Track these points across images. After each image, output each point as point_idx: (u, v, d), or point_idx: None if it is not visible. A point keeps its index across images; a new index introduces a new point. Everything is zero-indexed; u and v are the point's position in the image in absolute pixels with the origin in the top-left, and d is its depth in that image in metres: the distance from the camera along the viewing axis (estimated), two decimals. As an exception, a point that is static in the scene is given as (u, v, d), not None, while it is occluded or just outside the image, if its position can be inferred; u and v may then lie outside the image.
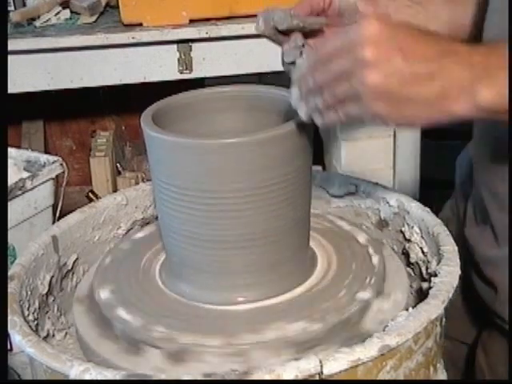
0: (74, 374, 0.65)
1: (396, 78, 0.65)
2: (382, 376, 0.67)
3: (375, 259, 0.83)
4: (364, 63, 0.65)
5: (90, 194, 2.12)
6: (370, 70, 0.65)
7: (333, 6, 0.86)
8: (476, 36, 0.92)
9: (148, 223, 0.99)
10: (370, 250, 0.85)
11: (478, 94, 0.66)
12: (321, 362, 0.63)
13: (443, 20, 0.95)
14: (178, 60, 1.75)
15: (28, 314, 0.80)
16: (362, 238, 0.88)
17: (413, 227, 0.87)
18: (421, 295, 0.82)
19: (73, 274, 0.90)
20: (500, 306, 0.88)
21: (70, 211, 0.93)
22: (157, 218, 0.92)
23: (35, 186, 1.22)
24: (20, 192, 1.19)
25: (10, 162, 1.30)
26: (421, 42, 0.67)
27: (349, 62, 0.66)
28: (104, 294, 0.81)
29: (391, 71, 0.65)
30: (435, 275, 0.76)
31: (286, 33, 0.81)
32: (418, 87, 0.66)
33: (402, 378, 0.69)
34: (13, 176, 1.27)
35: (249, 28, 1.71)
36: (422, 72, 0.66)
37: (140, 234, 0.93)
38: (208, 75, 1.82)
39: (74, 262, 0.90)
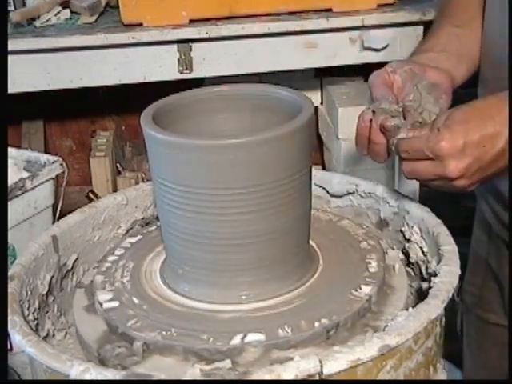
0: (74, 374, 0.65)
1: (478, 173, 0.80)
2: (382, 376, 0.67)
3: (375, 259, 0.83)
4: (448, 178, 0.79)
5: (90, 194, 2.13)
6: (455, 182, 0.80)
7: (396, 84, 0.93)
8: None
9: (148, 223, 0.99)
10: (370, 250, 0.85)
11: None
12: (321, 361, 0.63)
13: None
14: (178, 60, 1.76)
15: (28, 314, 0.80)
16: (361, 237, 0.88)
17: (413, 227, 0.87)
18: (421, 295, 0.82)
19: (73, 273, 0.90)
20: None
21: (70, 211, 0.93)
22: (157, 217, 0.92)
23: (35, 186, 1.22)
24: (20, 192, 1.19)
25: (10, 162, 1.30)
26: (487, 136, 0.79)
27: (433, 175, 0.80)
28: (103, 297, 0.81)
29: (472, 172, 0.79)
30: (435, 275, 0.76)
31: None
32: (496, 165, 0.81)
33: (401, 377, 0.69)
34: (13, 176, 1.27)
35: (249, 28, 1.72)
36: (495, 156, 0.79)
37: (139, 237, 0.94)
38: (208, 75, 1.82)
39: (74, 262, 0.90)
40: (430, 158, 0.79)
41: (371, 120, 0.90)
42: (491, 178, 0.83)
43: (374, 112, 0.88)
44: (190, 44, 1.74)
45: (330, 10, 1.77)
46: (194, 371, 0.70)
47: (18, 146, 1.97)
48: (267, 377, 0.63)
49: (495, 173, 0.82)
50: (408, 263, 0.88)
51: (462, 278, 0.77)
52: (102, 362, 0.74)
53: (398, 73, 0.92)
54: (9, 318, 0.73)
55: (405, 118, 0.85)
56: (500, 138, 0.79)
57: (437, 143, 0.78)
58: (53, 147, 2.33)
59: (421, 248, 0.86)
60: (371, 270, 0.82)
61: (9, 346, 1.10)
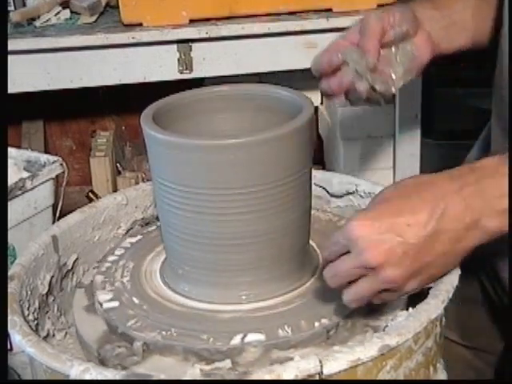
0: (74, 374, 0.65)
1: (407, 259, 0.67)
2: (382, 376, 0.67)
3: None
4: (370, 268, 0.67)
5: (90, 194, 2.12)
6: (380, 271, 0.67)
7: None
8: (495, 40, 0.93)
9: (148, 223, 0.99)
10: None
11: (485, 227, 0.68)
12: (321, 361, 0.63)
13: (469, 31, 0.96)
14: (178, 60, 1.75)
15: (28, 314, 0.80)
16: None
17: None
18: (421, 295, 0.82)
19: (73, 273, 0.90)
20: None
21: (70, 211, 0.93)
22: (157, 217, 0.92)
23: (35, 186, 1.22)
24: (20, 192, 1.19)
25: (10, 162, 1.30)
26: (406, 212, 0.67)
27: (356, 267, 0.68)
28: (103, 297, 0.81)
29: (398, 258, 0.66)
30: (435, 275, 0.76)
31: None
32: (430, 251, 0.67)
33: (401, 377, 0.69)
34: (13, 176, 1.27)
35: (249, 28, 1.71)
36: (425, 237, 0.67)
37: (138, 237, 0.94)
38: (208, 75, 1.82)
39: (74, 262, 0.90)
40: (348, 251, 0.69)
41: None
42: (440, 274, 0.71)
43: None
44: (190, 44, 1.74)
45: (330, 10, 1.77)
46: (194, 371, 0.70)
47: (18, 146, 1.97)
48: (267, 377, 0.63)
49: (443, 266, 0.70)
50: (408, 263, 0.88)
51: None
52: (102, 362, 0.74)
53: (395, 30, 0.86)
54: (9, 318, 0.73)
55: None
56: (427, 223, 0.67)
57: (347, 227, 0.68)
58: (53, 147, 2.33)
59: (421, 248, 0.85)
60: (371, 269, 0.82)
61: (9, 346, 1.10)
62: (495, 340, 0.98)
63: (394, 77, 0.87)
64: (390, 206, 0.69)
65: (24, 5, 1.86)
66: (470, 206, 0.67)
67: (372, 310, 0.77)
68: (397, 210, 0.67)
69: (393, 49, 0.88)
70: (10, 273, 0.80)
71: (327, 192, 0.98)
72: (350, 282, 0.69)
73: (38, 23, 1.76)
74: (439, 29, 0.93)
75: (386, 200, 0.70)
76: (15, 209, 1.19)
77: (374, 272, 0.67)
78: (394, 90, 0.86)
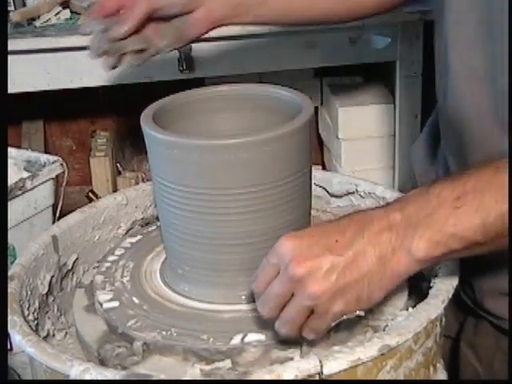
0: (74, 374, 0.65)
1: (333, 273, 0.66)
2: (382, 376, 0.67)
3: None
4: (296, 280, 0.66)
5: (90, 194, 2.12)
6: (307, 284, 0.66)
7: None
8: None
9: (148, 223, 0.99)
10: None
11: (410, 249, 0.67)
12: (321, 361, 0.63)
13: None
14: (178, 60, 1.75)
15: (28, 314, 0.80)
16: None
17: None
18: (421, 295, 0.82)
19: (73, 273, 0.90)
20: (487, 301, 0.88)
21: (70, 211, 0.93)
22: (157, 217, 0.92)
23: (35, 186, 1.22)
24: (20, 192, 1.19)
25: (10, 161, 1.30)
26: (336, 230, 0.68)
27: (283, 285, 0.67)
28: (103, 297, 0.81)
29: (325, 270, 0.66)
30: (435, 275, 0.76)
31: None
32: (356, 269, 0.66)
33: (401, 377, 0.69)
34: (13, 176, 1.27)
35: (249, 28, 1.72)
36: (353, 254, 0.66)
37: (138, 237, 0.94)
38: (208, 75, 1.82)
39: (74, 262, 0.90)
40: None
41: None
42: (367, 298, 0.68)
43: None
44: (190, 44, 1.74)
45: (330, 10, 1.77)
46: (194, 371, 0.70)
47: (18, 146, 1.97)
48: (267, 377, 0.63)
49: (369, 288, 0.68)
50: (408, 263, 0.88)
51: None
52: (102, 362, 0.74)
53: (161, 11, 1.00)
54: (9, 318, 0.73)
55: None
56: (349, 245, 0.67)
57: (277, 244, 0.68)
58: (53, 147, 2.33)
59: (421, 248, 0.85)
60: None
61: (9, 346, 1.10)
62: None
63: (158, 44, 1.01)
64: (320, 227, 0.71)
65: (24, 5, 1.86)
66: (396, 229, 0.67)
67: (371, 310, 0.77)
68: (326, 230, 0.69)
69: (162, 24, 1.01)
70: (10, 273, 0.80)
71: (327, 192, 0.98)
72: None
73: (38, 23, 1.76)
74: (225, 5, 1.02)
75: (316, 225, 0.73)
76: (15, 209, 1.19)
77: (299, 287, 0.66)
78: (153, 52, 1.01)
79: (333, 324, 0.69)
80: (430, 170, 0.99)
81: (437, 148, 1.00)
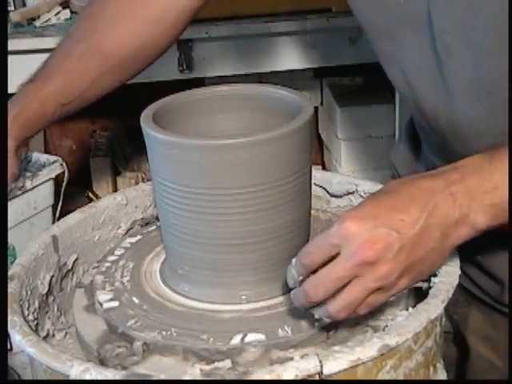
0: (74, 374, 0.65)
1: (403, 253, 0.66)
2: (382, 376, 0.67)
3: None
4: (365, 264, 0.65)
5: (90, 194, 2.13)
6: (376, 266, 0.65)
7: None
8: None
9: (148, 223, 0.99)
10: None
11: (473, 222, 0.68)
12: (321, 361, 0.63)
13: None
14: (178, 60, 1.76)
15: (28, 314, 0.80)
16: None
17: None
18: (421, 295, 0.82)
19: (73, 273, 0.90)
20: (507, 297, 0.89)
21: (70, 211, 0.93)
22: (157, 217, 0.92)
23: (35, 186, 1.22)
24: (20, 192, 1.19)
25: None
26: (399, 208, 0.67)
27: (349, 268, 0.66)
28: (103, 297, 0.81)
29: (395, 252, 0.66)
30: (435, 275, 0.76)
31: None
32: (422, 246, 0.67)
33: (401, 377, 0.69)
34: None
35: (249, 28, 1.72)
36: (418, 232, 0.66)
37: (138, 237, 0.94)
38: (208, 75, 1.82)
39: (74, 262, 0.90)
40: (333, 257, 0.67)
41: None
42: (429, 272, 0.71)
43: None
44: (190, 44, 1.74)
45: (330, 10, 1.77)
46: (194, 371, 0.70)
47: (18, 146, 1.96)
48: (267, 377, 0.63)
49: (431, 262, 0.69)
50: (408, 263, 0.88)
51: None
52: (102, 362, 0.74)
53: None
54: (9, 318, 0.73)
55: None
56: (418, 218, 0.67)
57: (340, 225, 0.66)
58: (53, 147, 2.33)
59: (421, 248, 0.85)
60: (371, 269, 0.82)
61: (9, 346, 1.10)
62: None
63: None
64: (380, 204, 0.68)
65: (24, 5, 1.86)
66: (459, 202, 0.67)
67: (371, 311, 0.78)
68: (388, 207, 0.67)
69: None
70: (10, 273, 0.80)
71: (327, 192, 0.98)
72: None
73: (38, 23, 1.76)
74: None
75: (373, 200, 0.69)
76: (15, 209, 1.19)
77: (368, 270, 0.65)
78: None
79: (392, 298, 0.70)
80: (415, 171, 1.00)
81: (418, 150, 1.01)
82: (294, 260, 0.70)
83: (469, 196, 0.68)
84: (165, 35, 1.07)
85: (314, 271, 0.68)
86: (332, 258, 0.67)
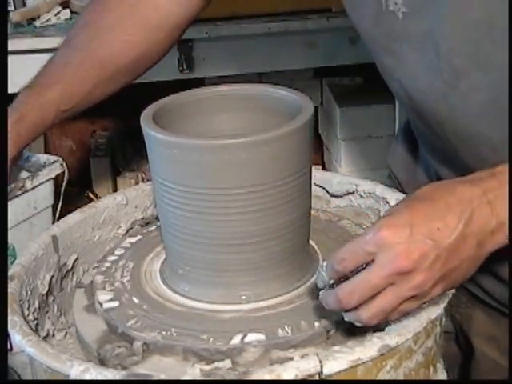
0: (74, 374, 0.65)
1: (438, 263, 0.65)
2: (382, 376, 0.67)
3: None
4: (401, 273, 0.65)
5: (90, 194, 2.13)
6: (412, 276, 0.65)
7: None
8: None
9: (148, 223, 0.99)
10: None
11: (507, 230, 0.67)
12: (321, 361, 0.63)
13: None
14: (179, 60, 1.76)
15: (28, 314, 0.80)
16: (361, 237, 0.88)
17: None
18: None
19: (73, 273, 0.90)
20: None
21: (70, 211, 0.93)
22: (157, 217, 0.92)
23: (35, 186, 1.22)
24: (20, 192, 1.19)
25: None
26: (436, 216, 0.66)
27: (385, 277, 0.65)
28: (103, 297, 0.81)
29: (430, 261, 0.65)
30: (435, 275, 0.76)
31: None
32: (458, 255, 0.66)
33: (401, 377, 0.69)
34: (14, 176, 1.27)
35: (249, 28, 1.72)
36: (454, 241, 0.66)
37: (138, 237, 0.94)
38: (208, 75, 1.82)
39: (74, 262, 0.90)
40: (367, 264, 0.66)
41: None
42: (462, 279, 0.70)
43: None
44: (191, 44, 1.74)
45: (329, 10, 1.77)
46: (194, 371, 0.70)
47: (18, 146, 1.96)
48: (267, 377, 0.63)
49: (466, 270, 0.69)
50: (408, 263, 0.88)
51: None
52: (102, 362, 0.74)
53: None
54: (9, 318, 0.73)
55: None
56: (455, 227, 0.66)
57: (376, 233, 0.65)
58: (53, 147, 2.33)
59: (421, 248, 0.85)
60: (371, 269, 0.81)
61: (9, 346, 1.10)
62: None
63: None
64: (416, 211, 0.67)
65: (24, 5, 1.86)
66: (496, 210, 0.67)
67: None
68: (424, 215, 0.66)
69: None
70: (10, 273, 0.80)
71: (327, 192, 0.98)
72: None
73: (38, 23, 1.77)
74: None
75: (409, 207, 0.68)
76: (15, 209, 1.19)
77: (403, 279, 0.65)
78: None
79: (424, 305, 0.69)
80: (414, 173, 1.00)
81: (416, 152, 1.01)
82: (324, 263, 0.70)
83: (506, 204, 0.67)
84: (163, 42, 1.08)
85: (346, 276, 0.68)
86: (365, 265, 0.66)
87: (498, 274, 0.90)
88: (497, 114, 0.78)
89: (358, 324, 0.69)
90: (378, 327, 0.70)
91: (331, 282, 0.69)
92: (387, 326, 0.70)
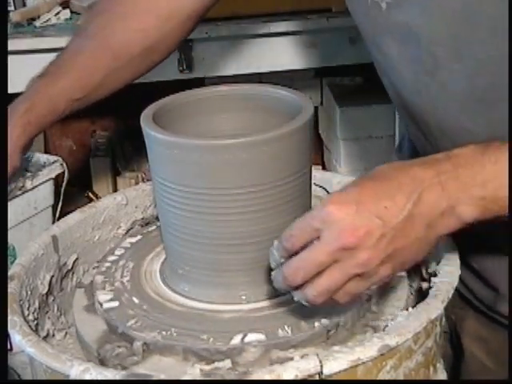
0: (74, 374, 0.65)
1: (384, 241, 0.65)
2: (382, 376, 0.67)
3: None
4: (345, 249, 0.64)
5: (90, 194, 2.13)
6: (357, 253, 0.65)
7: None
8: None
9: (148, 223, 0.99)
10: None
11: (460, 214, 0.67)
12: (321, 361, 0.63)
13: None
14: (178, 60, 1.75)
15: (28, 314, 0.80)
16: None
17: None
18: (421, 295, 0.82)
19: (73, 273, 0.90)
20: (501, 304, 0.89)
21: (70, 211, 0.93)
22: (157, 217, 0.92)
23: (35, 186, 1.22)
24: (20, 192, 1.19)
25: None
26: (385, 195, 0.66)
27: (329, 253, 0.65)
28: (103, 297, 0.81)
29: (376, 239, 0.65)
30: (435, 275, 0.76)
31: None
32: (405, 235, 0.66)
33: (401, 377, 0.69)
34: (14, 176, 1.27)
35: (249, 28, 1.72)
36: (402, 221, 0.65)
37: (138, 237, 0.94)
38: (208, 75, 1.82)
39: (74, 262, 0.90)
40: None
41: None
42: (412, 261, 0.69)
43: None
44: (191, 44, 1.74)
45: (329, 10, 1.77)
46: (194, 371, 0.70)
47: (18, 146, 1.96)
48: (267, 377, 0.63)
49: (415, 252, 0.68)
50: (408, 263, 0.88)
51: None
52: (102, 362, 0.74)
53: None
54: (9, 318, 0.73)
55: None
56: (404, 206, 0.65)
57: (322, 209, 0.65)
58: (53, 147, 2.33)
59: (421, 248, 0.85)
60: (371, 269, 0.81)
61: (9, 346, 1.10)
62: None
63: None
64: (367, 189, 0.67)
65: (24, 5, 1.86)
66: (447, 192, 0.66)
67: (370, 310, 0.78)
68: (374, 193, 0.66)
69: None
70: (10, 273, 0.80)
71: (327, 192, 0.98)
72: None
73: (38, 23, 1.76)
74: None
75: (361, 185, 0.68)
76: (15, 209, 1.19)
77: (348, 255, 0.64)
78: None
79: (374, 287, 0.69)
80: None
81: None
82: (276, 242, 0.69)
83: (458, 187, 0.66)
84: (174, 32, 1.08)
85: (296, 254, 0.67)
86: (313, 242, 0.66)
87: (488, 277, 0.90)
88: (477, 107, 0.78)
89: (305, 303, 0.68)
90: (327, 309, 0.70)
91: (282, 260, 0.69)
92: (336, 308, 0.70)
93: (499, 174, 0.66)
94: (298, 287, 0.67)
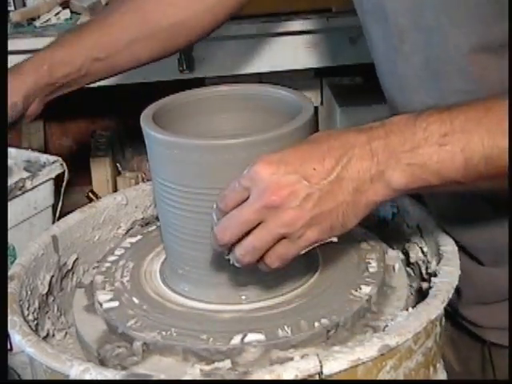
0: (74, 374, 0.65)
1: (309, 202, 0.65)
2: (382, 376, 0.67)
3: (375, 259, 0.83)
4: (270, 208, 0.65)
5: (90, 194, 2.12)
6: (281, 212, 0.65)
7: None
8: None
9: (148, 223, 0.99)
10: (370, 250, 0.85)
11: (389, 181, 0.67)
12: (321, 361, 0.63)
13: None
14: (178, 60, 1.75)
15: (28, 314, 0.80)
16: (361, 237, 0.88)
17: (413, 227, 0.87)
18: (421, 295, 0.82)
19: (73, 273, 0.90)
20: (464, 308, 0.90)
21: (70, 211, 0.93)
22: (157, 217, 0.92)
23: (35, 186, 1.22)
24: (20, 192, 1.19)
25: (9, 162, 1.30)
26: (314, 157, 0.66)
27: (254, 212, 0.66)
28: (103, 297, 0.81)
29: (301, 199, 0.65)
30: (435, 275, 0.76)
31: None
32: (332, 198, 0.66)
33: (401, 377, 0.69)
34: (13, 176, 1.27)
35: (249, 28, 1.71)
36: (329, 183, 0.66)
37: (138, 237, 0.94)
38: (208, 75, 1.82)
39: (74, 262, 0.90)
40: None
41: None
42: (341, 227, 0.68)
43: None
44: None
45: (329, 10, 1.77)
46: (194, 371, 0.70)
47: (18, 146, 1.97)
48: (267, 377, 0.63)
49: (342, 216, 0.67)
50: (408, 263, 0.88)
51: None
52: (102, 362, 0.74)
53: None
54: (9, 318, 0.73)
55: None
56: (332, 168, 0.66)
57: (251, 167, 0.66)
58: (53, 147, 2.33)
59: (421, 248, 0.86)
60: (371, 270, 0.82)
61: (9, 346, 1.10)
62: None
63: None
64: (298, 151, 0.68)
65: (24, 5, 1.86)
66: (377, 158, 0.66)
67: (370, 310, 0.78)
68: (304, 155, 0.67)
69: None
70: (10, 273, 0.80)
71: (327, 192, 0.98)
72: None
73: (37, 23, 1.76)
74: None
75: (295, 148, 0.68)
76: (15, 209, 1.19)
77: (273, 214, 0.65)
78: None
79: (303, 251, 0.68)
80: None
81: None
82: (214, 204, 0.70)
83: (388, 153, 0.66)
84: (205, 15, 1.08)
85: None
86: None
87: (469, 250, 0.90)
88: (430, 80, 0.79)
89: (236, 264, 0.69)
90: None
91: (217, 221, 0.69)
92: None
93: (427, 140, 0.66)
94: (230, 248, 0.68)
